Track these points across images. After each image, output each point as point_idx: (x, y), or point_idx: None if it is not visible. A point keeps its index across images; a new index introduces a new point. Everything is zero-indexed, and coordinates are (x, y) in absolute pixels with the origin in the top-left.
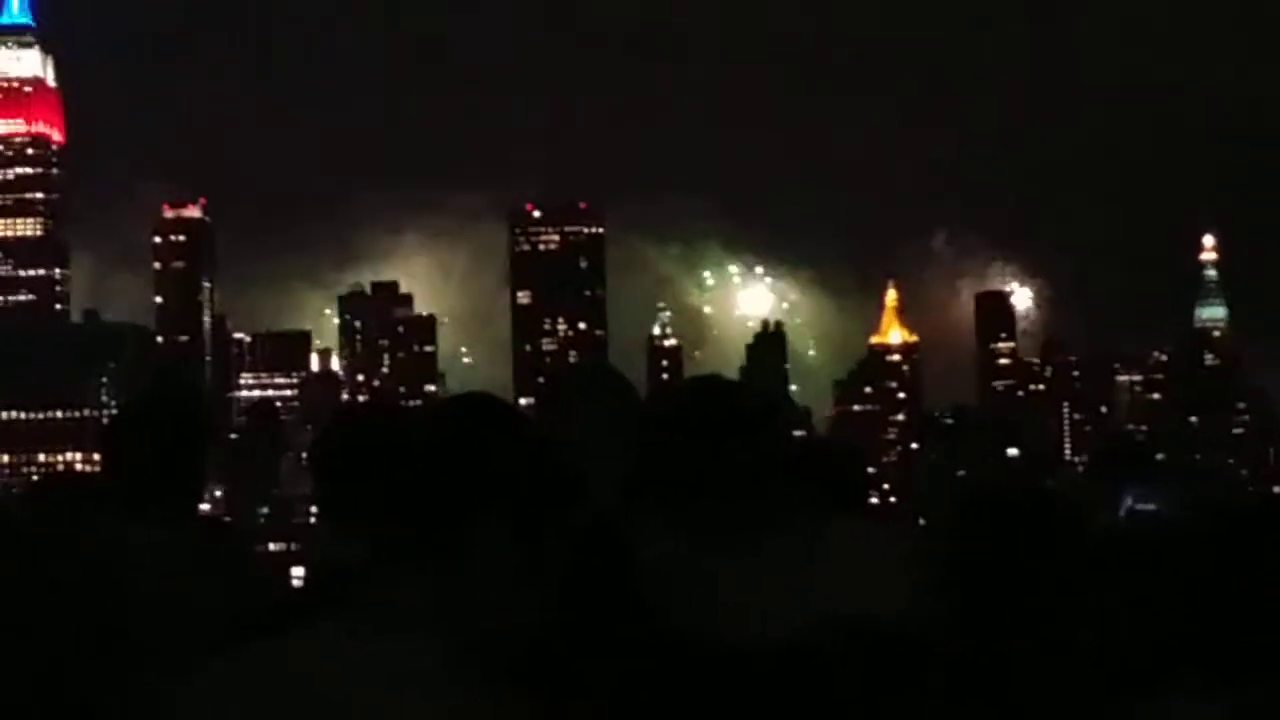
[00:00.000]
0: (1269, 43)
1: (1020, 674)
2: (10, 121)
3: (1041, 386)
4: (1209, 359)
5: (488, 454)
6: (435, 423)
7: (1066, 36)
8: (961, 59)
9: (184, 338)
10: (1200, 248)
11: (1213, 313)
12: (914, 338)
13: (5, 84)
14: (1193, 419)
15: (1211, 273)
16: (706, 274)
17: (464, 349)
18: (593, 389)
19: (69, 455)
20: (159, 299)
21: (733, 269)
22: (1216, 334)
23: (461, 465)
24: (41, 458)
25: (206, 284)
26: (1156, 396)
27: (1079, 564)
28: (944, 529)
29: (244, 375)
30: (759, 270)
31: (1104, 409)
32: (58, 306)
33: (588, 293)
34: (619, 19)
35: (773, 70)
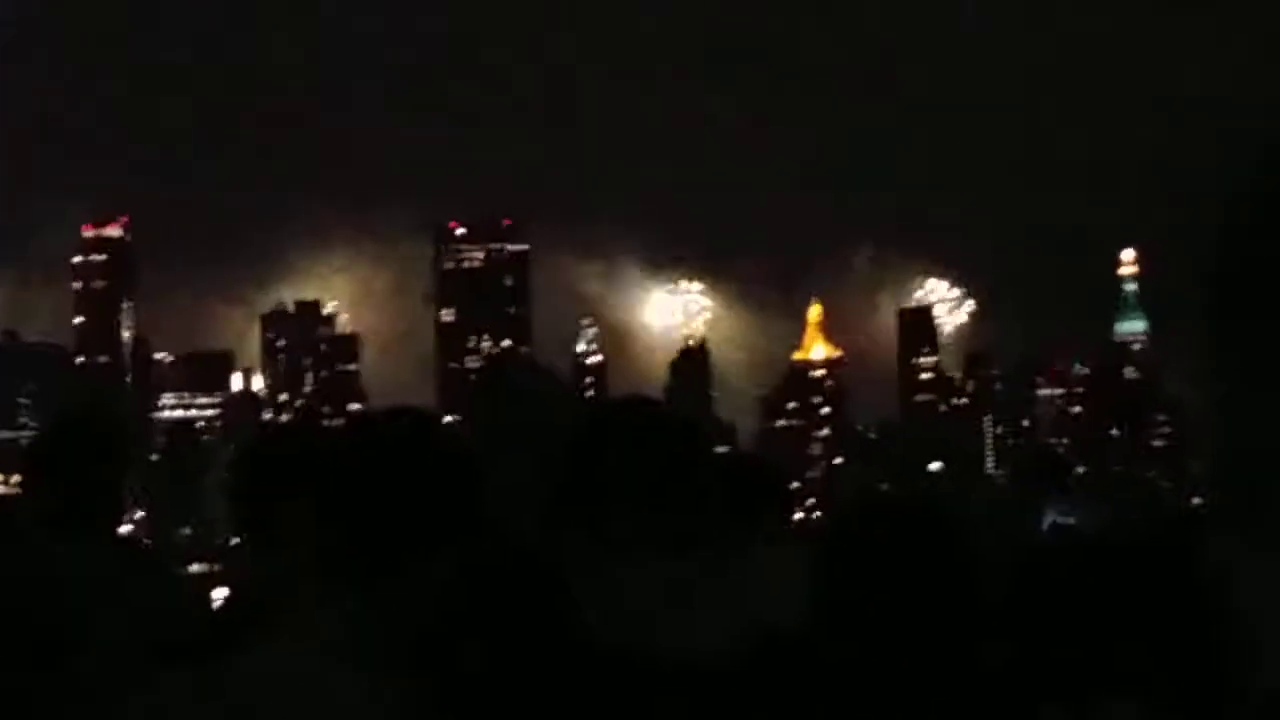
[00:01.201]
0: (1196, 58)
1: (903, 683)
2: None
3: (964, 400)
4: (1129, 372)
5: (413, 473)
6: (359, 441)
7: (989, 49)
8: (878, 79)
9: (104, 358)
10: (1120, 262)
11: (1132, 326)
12: (838, 353)
13: None
14: (1114, 432)
15: (1131, 286)
16: (629, 291)
17: (388, 367)
18: (520, 393)
19: None
20: (79, 319)
21: (656, 286)
22: (1137, 348)
23: (387, 485)
24: None
25: (127, 304)
26: (1078, 410)
27: (948, 570)
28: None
29: (165, 395)
30: (682, 286)
31: (1026, 422)
32: None
33: (511, 310)
34: (538, 35)
35: (695, 85)
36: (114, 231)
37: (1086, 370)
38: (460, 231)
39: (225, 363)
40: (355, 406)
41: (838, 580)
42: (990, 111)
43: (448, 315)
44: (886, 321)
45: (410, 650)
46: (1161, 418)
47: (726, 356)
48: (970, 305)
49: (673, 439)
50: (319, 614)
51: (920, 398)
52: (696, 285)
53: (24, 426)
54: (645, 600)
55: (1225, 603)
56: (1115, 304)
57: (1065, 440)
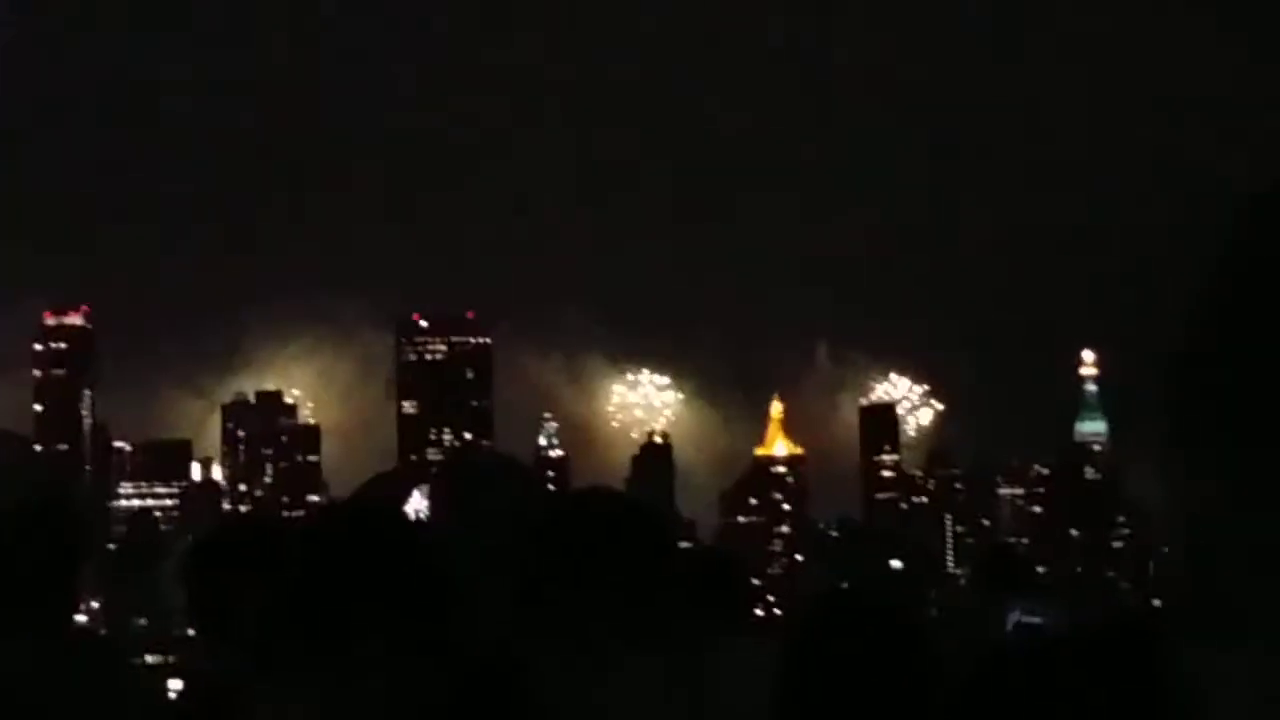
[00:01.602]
0: (1155, 167)
1: None
2: None
3: (924, 499)
4: (1089, 473)
5: (368, 566)
6: (313, 534)
7: (942, 157)
8: (831, 192)
9: (63, 446)
10: (1080, 362)
11: (1093, 427)
12: (799, 450)
13: None
14: (1073, 532)
15: (1092, 388)
16: (591, 385)
17: (349, 459)
18: (491, 484)
19: None
20: (38, 407)
21: (618, 381)
22: (1097, 448)
23: (341, 578)
24: None
25: (87, 392)
26: (1038, 509)
27: (911, 670)
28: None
29: (124, 484)
30: (644, 382)
31: (986, 521)
32: None
33: (474, 403)
34: (493, 132)
35: (656, 180)
36: (74, 319)
37: (1046, 470)
38: (423, 323)
39: (185, 452)
40: (315, 498)
41: (802, 680)
42: (951, 215)
43: (409, 407)
44: (848, 419)
45: None
46: (1121, 518)
47: (688, 451)
48: (932, 403)
49: (638, 532)
50: (275, 709)
51: (881, 495)
52: (658, 379)
53: None
54: (616, 697)
55: (1191, 705)
56: (1076, 404)
57: (1025, 540)
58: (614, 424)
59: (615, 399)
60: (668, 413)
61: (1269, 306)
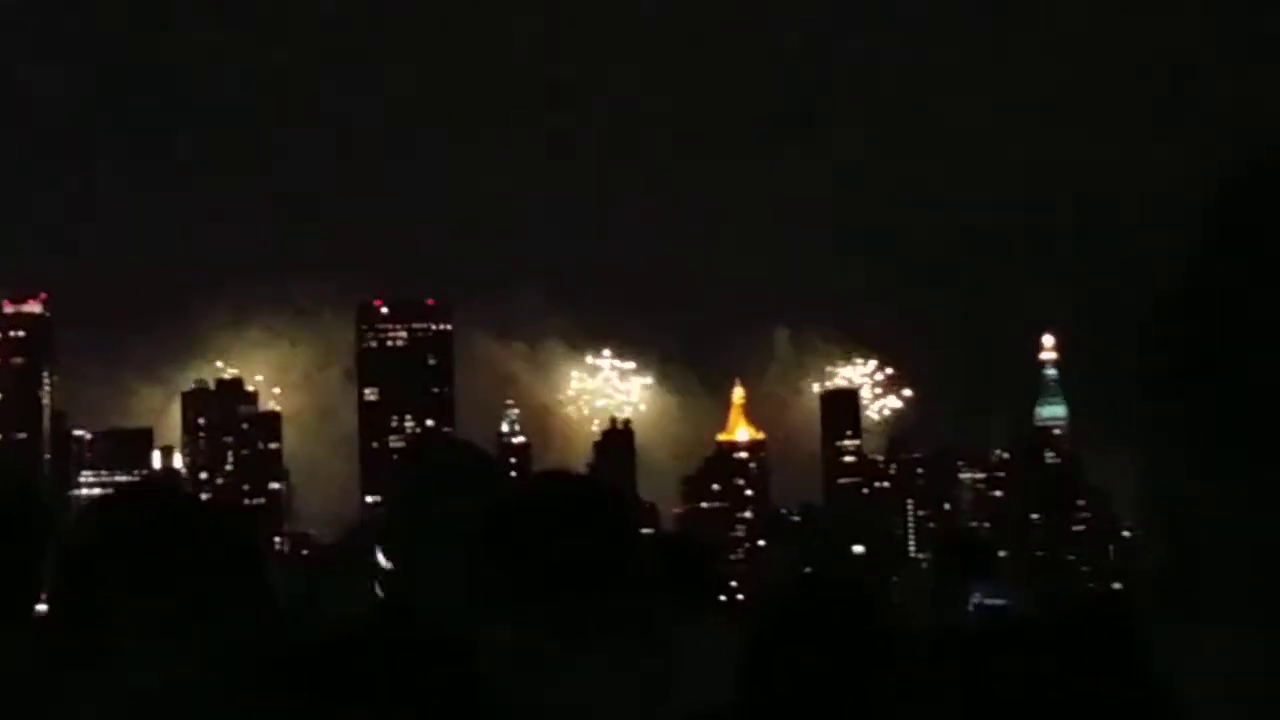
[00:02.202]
0: (1115, 146)
1: None
2: None
3: (886, 484)
4: (1049, 457)
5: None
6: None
7: (904, 140)
8: (794, 179)
9: (22, 435)
10: (1040, 347)
11: (1053, 411)
12: (761, 435)
13: None
14: (1034, 516)
15: (1052, 372)
16: (552, 371)
17: (310, 446)
18: (454, 472)
19: None
20: None
21: (578, 368)
22: (1057, 432)
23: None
24: None
25: (46, 380)
26: (999, 494)
27: (877, 652)
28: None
29: (84, 473)
30: (605, 367)
31: (947, 506)
32: None
33: (435, 390)
34: (453, 115)
35: (617, 167)
36: (33, 308)
37: (1007, 454)
38: (383, 310)
39: (145, 440)
40: (276, 485)
41: (767, 665)
42: (911, 198)
43: (370, 394)
44: (810, 404)
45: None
46: (1081, 502)
47: (650, 437)
48: (897, 388)
49: (601, 518)
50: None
51: (843, 480)
52: (621, 364)
53: None
54: (567, 688)
55: (1160, 683)
56: (1035, 388)
57: (986, 524)
58: (571, 410)
59: (574, 385)
60: (632, 398)
61: (1255, 295)
